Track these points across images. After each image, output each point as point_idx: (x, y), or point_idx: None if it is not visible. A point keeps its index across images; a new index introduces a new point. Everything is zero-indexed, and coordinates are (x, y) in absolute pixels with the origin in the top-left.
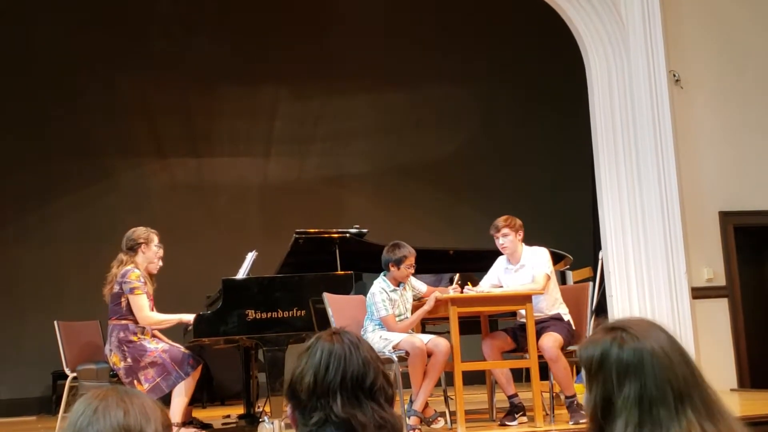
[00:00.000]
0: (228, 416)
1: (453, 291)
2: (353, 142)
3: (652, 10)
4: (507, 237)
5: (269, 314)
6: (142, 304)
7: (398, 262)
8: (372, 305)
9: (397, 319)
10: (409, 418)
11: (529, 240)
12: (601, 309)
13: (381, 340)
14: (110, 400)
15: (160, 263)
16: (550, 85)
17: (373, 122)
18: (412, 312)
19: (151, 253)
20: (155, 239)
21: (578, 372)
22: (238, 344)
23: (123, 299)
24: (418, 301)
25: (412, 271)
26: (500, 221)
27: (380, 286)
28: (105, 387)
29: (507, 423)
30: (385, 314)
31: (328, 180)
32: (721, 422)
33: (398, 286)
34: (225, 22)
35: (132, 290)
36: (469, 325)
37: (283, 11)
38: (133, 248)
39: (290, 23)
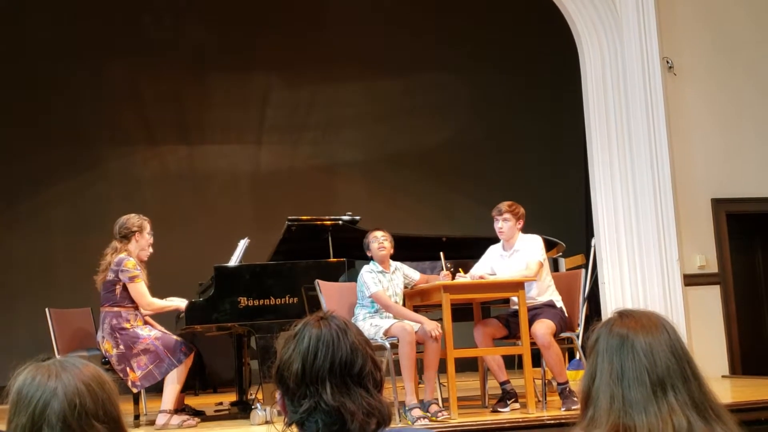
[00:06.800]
0: (220, 403)
1: (443, 277)
2: (345, 130)
3: None
4: (507, 222)
5: (261, 301)
6: (143, 291)
7: (367, 247)
8: (362, 285)
9: None
10: (411, 411)
11: (523, 227)
12: (593, 296)
13: (372, 327)
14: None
15: (151, 250)
16: (544, 72)
17: (366, 110)
18: (404, 299)
19: (144, 241)
20: (148, 227)
21: (570, 359)
22: (231, 331)
23: (117, 287)
24: (411, 289)
25: (385, 245)
26: (504, 205)
27: (369, 267)
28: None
29: (499, 409)
30: (375, 290)
31: (320, 168)
32: (717, 423)
33: (388, 269)
34: (216, 10)
35: (131, 279)
36: (462, 312)
37: None
38: (126, 236)
39: (282, 10)
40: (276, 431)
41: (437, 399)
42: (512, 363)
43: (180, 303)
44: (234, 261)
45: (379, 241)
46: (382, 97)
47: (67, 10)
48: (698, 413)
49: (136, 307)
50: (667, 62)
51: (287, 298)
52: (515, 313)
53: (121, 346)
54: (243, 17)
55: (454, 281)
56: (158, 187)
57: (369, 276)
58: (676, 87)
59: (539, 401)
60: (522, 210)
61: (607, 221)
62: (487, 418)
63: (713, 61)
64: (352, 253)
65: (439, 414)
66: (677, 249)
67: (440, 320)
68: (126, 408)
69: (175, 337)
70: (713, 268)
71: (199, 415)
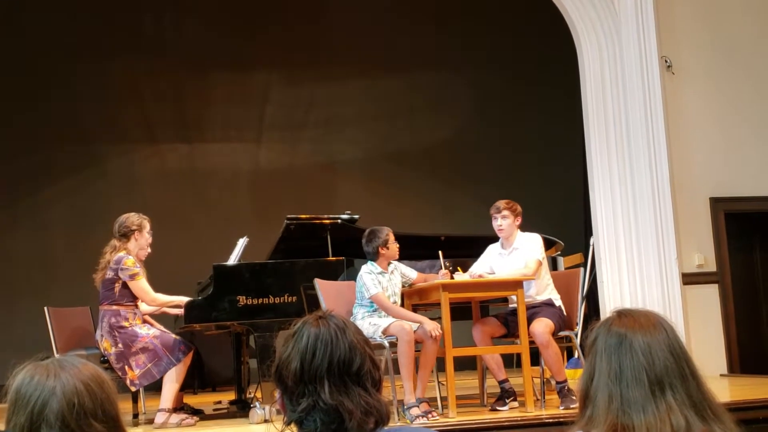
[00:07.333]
0: (219, 402)
1: (442, 276)
2: (346, 128)
3: None
4: (506, 219)
5: (260, 300)
6: (146, 288)
7: (384, 243)
8: (362, 286)
9: None
10: (409, 410)
11: (522, 225)
12: (592, 295)
13: (371, 326)
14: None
15: (149, 250)
16: (543, 71)
17: (366, 108)
18: (403, 298)
19: (144, 240)
20: (147, 226)
21: (569, 357)
22: (230, 330)
23: (116, 285)
24: (409, 288)
25: (397, 245)
26: (502, 203)
27: (368, 268)
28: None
29: (498, 408)
30: (375, 292)
31: (320, 166)
32: (716, 422)
33: (387, 269)
34: (217, 7)
35: (132, 277)
36: (460, 311)
37: None
38: (126, 235)
39: (283, 8)
40: (275, 430)
41: (428, 398)
42: (511, 362)
43: (183, 299)
44: (233, 260)
45: (393, 237)
46: (382, 95)
47: (67, 9)
48: (696, 412)
49: (135, 306)
50: (666, 61)
51: (286, 297)
52: (514, 312)
53: (120, 345)
54: (243, 15)
55: (453, 280)
56: (158, 185)
57: (368, 277)
58: (675, 86)
59: (538, 400)
60: (519, 208)
61: (605, 220)
62: (486, 416)
63: (712, 60)
64: (351, 251)
65: (429, 415)
66: (676, 248)
67: (439, 319)
68: (125, 407)
69: (173, 335)
70: (711, 267)
71: (197, 413)
